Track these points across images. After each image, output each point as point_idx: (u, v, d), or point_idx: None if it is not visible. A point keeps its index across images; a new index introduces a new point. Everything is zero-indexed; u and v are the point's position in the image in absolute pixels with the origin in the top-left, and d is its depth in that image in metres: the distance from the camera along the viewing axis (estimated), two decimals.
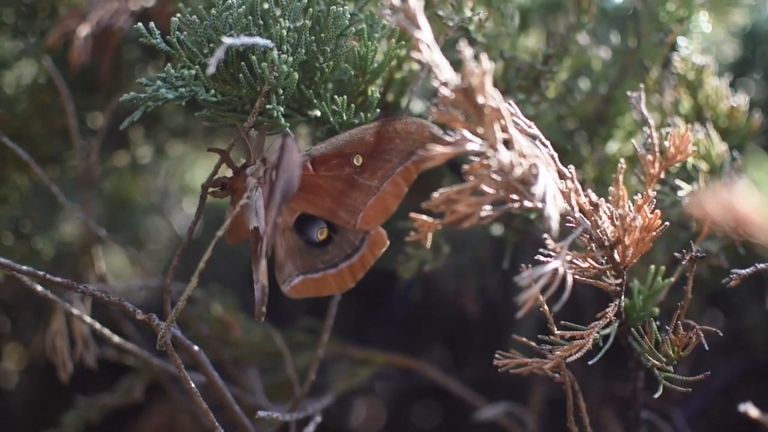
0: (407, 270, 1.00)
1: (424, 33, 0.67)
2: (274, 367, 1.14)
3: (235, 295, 1.19)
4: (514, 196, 0.71)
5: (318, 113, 0.85)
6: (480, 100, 0.67)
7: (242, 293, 1.18)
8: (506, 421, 1.13)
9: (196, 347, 0.87)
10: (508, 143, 0.70)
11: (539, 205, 0.68)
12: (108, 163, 1.30)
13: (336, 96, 0.84)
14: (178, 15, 0.81)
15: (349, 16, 0.81)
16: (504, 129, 0.69)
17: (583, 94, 1.07)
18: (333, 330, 0.95)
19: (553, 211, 0.67)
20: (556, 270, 0.70)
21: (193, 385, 0.81)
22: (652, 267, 0.85)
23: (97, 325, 0.93)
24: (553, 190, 0.68)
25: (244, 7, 0.79)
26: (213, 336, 1.09)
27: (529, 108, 0.96)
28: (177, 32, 0.79)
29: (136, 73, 1.21)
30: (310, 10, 0.81)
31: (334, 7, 0.81)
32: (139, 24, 0.78)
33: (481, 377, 1.28)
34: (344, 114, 0.83)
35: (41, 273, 0.79)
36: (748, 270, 0.78)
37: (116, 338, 0.94)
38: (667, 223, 0.78)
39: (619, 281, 0.80)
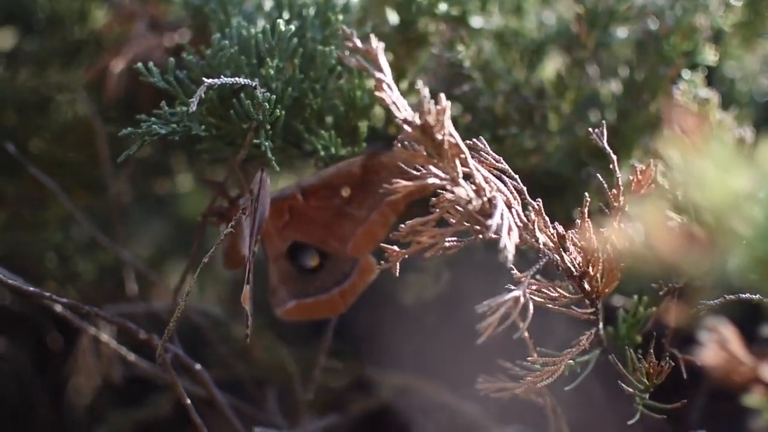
0: (409, 296, 1.04)
1: (385, 74, 0.71)
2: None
3: (264, 315, 1.23)
4: (477, 227, 0.74)
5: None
6: (438, 136, 0.71)
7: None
8: None
9: (198, 365, 0.92)
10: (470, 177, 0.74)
11: (495, 236, 0.71)
12: (151, 189, 1.37)
13: (325, 131, 0.88)
14: (184, 53, 0.88)
15: (336, 55, 0.86)
16: (464, 163, 0.73)
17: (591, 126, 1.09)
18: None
19: (508, 243, 0.70)
20: (517, 299, 0.73)
21: (189, 401, 0.86)
22: (635, 297, 0.87)
23: (114, 344, 0.99)
24: (508, 223, 0.72)
25: (236, 47, 0.84)
26: (233, 356, 1.14)
27: (528, 141, 0.99)
28: (177, 71, 0.85)
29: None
30: (300, 49, 0.85)
31: (321, 47, 0.85)
32: (139, 63, 0.84)
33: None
34: (332, 148, 0.88)
35: (47, 294, 0.85)
36: (715, 301, 0.79)
37: (132, 356, 1.00)
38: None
39: (592, 310, 0.82)
